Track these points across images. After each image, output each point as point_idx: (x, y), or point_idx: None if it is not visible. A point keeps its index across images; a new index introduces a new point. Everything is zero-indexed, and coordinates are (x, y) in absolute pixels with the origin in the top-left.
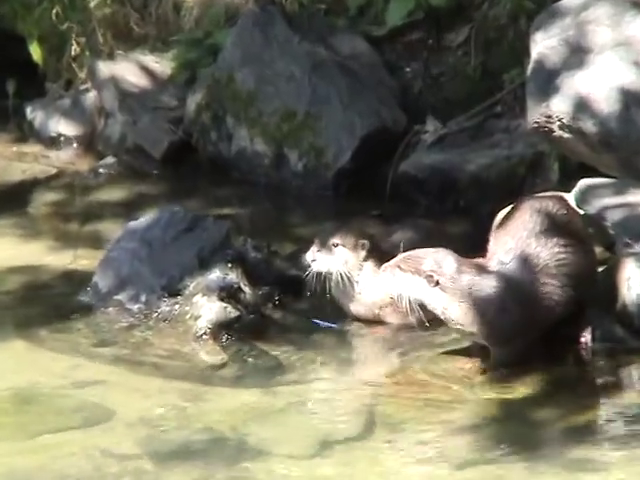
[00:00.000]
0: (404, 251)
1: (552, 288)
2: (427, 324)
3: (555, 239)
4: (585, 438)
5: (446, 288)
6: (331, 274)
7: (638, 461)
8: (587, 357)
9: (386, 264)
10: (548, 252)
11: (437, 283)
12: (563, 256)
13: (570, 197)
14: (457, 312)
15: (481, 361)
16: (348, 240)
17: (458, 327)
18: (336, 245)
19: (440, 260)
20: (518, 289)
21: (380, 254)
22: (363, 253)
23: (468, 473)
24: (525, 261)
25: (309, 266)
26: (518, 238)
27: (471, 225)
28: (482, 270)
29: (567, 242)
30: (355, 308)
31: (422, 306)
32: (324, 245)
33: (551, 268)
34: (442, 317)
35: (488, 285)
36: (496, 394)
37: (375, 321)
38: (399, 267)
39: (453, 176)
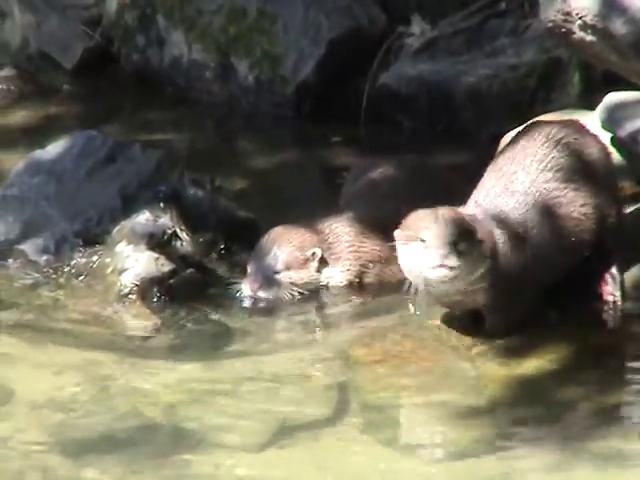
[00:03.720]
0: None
1: (569, 237)
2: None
3: (573, 176)
4: (614, 425)
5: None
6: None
7: None
8: (616, 320)
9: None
10: (565, 193)
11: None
12: (581, 197)
13: (594, 116)
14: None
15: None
16: (291, 256)
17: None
18: (278, 272)
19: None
20: (532, 240)
21: (337, 247)
22: (315, 264)
23: (465, 468)
24: (537, 204)
25: (249, 302)
26: (526, 175)
27: (468, 153)
28: (494, 219)
29: (586, 180)
30: None
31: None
32: (262, 275)
33: (567, 212)
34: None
35: (504, 236)
36: (501, 368)
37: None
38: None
39: (446, 91)
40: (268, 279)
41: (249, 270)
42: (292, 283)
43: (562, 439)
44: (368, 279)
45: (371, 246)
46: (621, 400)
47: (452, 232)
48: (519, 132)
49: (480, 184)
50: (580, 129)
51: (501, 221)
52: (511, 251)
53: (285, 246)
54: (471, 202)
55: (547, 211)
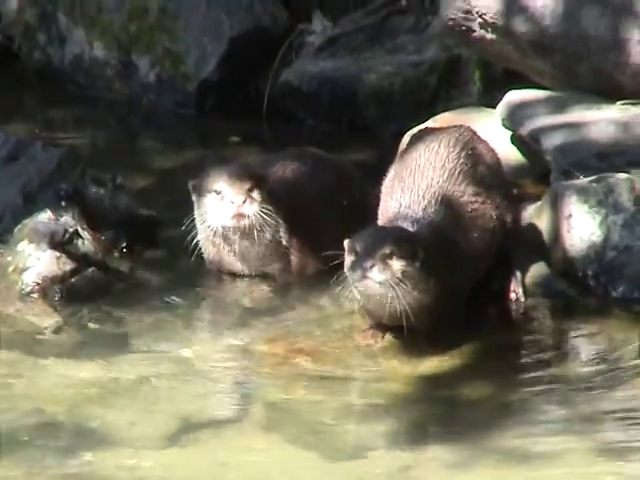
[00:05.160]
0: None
1: (475, 241)
2: None
3: (475, 182)
4: (515, 422)
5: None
6: (253, 226)
7: (579, 452)
8: (519, 317)
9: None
10: (472, 199)
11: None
12: (485, 202)
13: (494, 114)
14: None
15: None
16: (259, 177)
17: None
18: (251, 189)
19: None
20: (460, 246)
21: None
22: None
23: (366, 464)
24: (451, 212)
25: (215, 223)
26: (432, 184)
27: (371, 150)
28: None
29: (486, 185)
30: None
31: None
32: (240, 191)
33: (471, 216)
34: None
35: (441, 247)
36: (404, 366)
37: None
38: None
39: (348, 88)
40: (246, 194)
41: (215, 195)
42: (261, 201)
43: (463, 436)
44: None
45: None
46: (522, 397)
47: (383, 246)
48: (416, 138)
49: (388, 197)
50: (473, 135)
51: (432, 232)
52: (448, 261)
53: (244, 168)
54: (386, 215)
55: (462, 217)
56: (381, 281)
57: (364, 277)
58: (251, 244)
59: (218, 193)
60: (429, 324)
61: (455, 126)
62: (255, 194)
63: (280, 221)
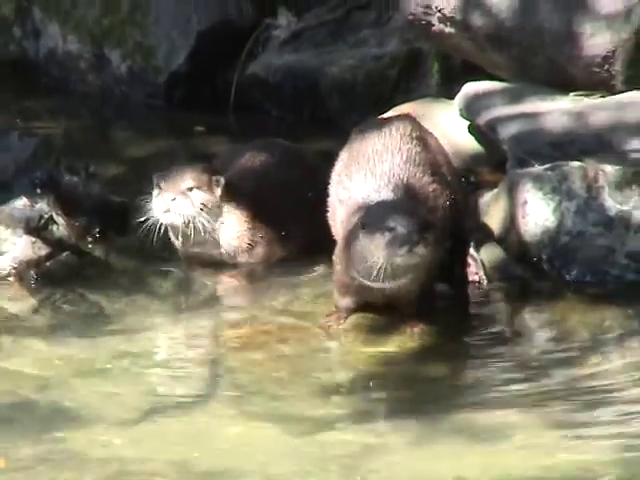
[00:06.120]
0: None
1: (440, 219)
2: None
3: (427, 161)
4: (475, 401)
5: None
6: (187, 224)
7: (536, 426)
8: (477, 300)
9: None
10: (427, 177)
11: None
12: (438, 179)
13: (453, 105)
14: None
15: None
16: (203, 179)
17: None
18: (191, 189)
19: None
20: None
21: (236, 190)
22: (219, 192)
23: (331, 441)
24: (416, 192)
25: (154, 216)
26: (392, 164)
27: (334, 141)
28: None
29: (437, 163)
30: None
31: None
32: (173, 189)
33: (433, 196)
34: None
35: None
36: (368, 347)
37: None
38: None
39: (311, 80)
40: (180, 192)
41: (157, 190)
42: (202, 203)
43: (424, 414)
44: (253, 254)
45: (259, 222)
46: (480, 376)
47: (420, 221)
48: (364, 129)
49: (346, 185)
50: (415, 120)
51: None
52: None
53: (193, 168)
54: (352, 202)
55: (428, 198)
56: (423, 254)
57: (410, 251)
58: (201, 238)
59: (160, 188)
60: (413, 302)
61: (397, 115)
62: (194, 194)
63: (224, 219)
